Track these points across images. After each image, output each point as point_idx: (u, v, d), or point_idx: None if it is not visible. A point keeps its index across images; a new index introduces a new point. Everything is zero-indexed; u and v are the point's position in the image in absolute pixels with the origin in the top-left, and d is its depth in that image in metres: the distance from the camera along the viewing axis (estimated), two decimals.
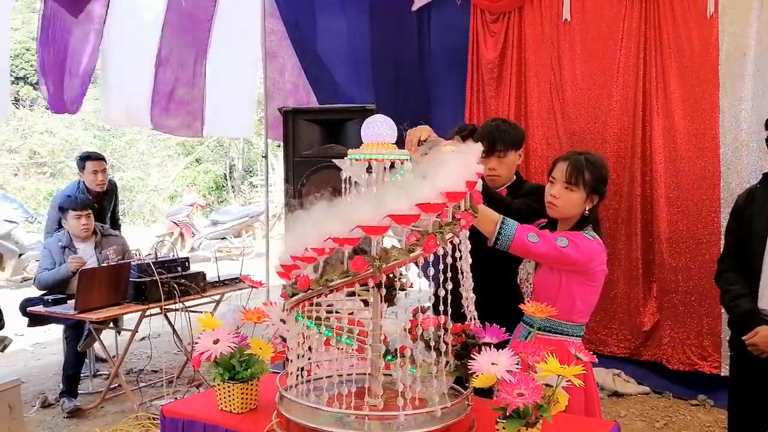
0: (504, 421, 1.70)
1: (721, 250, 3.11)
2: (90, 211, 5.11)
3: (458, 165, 1.90)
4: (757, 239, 2.85)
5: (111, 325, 4.98)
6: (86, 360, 5.15)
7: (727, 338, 3.06)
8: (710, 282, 4.67)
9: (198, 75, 6.58)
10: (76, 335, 4.81)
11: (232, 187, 17.63)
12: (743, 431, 3.01)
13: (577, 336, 2.39)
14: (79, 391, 4.87)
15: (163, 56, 6.29)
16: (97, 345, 4.92)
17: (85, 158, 5.62)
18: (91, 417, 4.64)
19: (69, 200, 5.18)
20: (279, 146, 5.61)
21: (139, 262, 4.72)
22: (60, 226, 5.21)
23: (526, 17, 5.39)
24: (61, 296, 4.72)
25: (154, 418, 4.33)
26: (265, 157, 6.51)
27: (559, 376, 1.70)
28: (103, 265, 4.85)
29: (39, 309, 4.69)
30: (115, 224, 5.98)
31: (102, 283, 4.51)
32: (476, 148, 1.98)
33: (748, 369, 2.91)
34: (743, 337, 2.85)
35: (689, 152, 4.85)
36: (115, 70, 6.12)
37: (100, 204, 5.67)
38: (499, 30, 5.50)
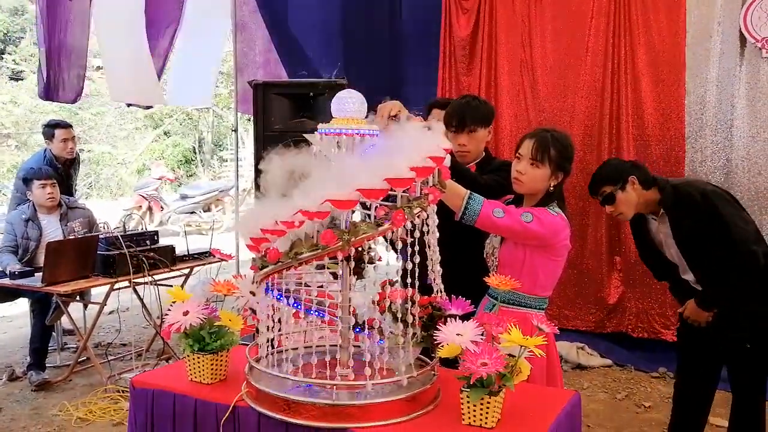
0: (468, 389, 1.76)
1: None
2: (55, 181, 5.04)
3: (427, 140, 1.94)
4: (663, 263, 3.14)
5: (78, 298, 4.95)
6: (54, 333, 5.12)
7: None
8: None
9: (164, 45, 6.47)
10: (44, 308, 4.77)
11: (202, 161, 17.46)
12: (688, 395, 3.17)
13: (540, 309, 2.46)
14: (46, 365, 4.85)
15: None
16: (64, 318, 4.90)
17: (54, 126, 5.58)
18: (59, 390, 4.63)
19: (33, 171, 5.10)
20: (249, 120, 5.58)
21: (108, 235, 4.69)
22: (25, 200, 5.14)
23: None
24: (27, 269, 4.68)
25: (123, 391, 4.35)
26: (235, 130, 6.46)
27: (521, 346, 1.76)
28: (70, 237, 4.80)
29: (5, 282, 4.64)
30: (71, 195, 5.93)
31: (70, 256, 4.47)
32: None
33: (692, 337, 3.11)
34: (679, 311, 3.10)
35: (655, 131, 4.95)
36: (111, 49, 5.97)
37: (67, 173, 5.63)
38: (471, 7, 5.51)
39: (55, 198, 5.01)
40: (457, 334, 1.79)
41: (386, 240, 1.89)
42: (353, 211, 1.91)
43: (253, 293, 2.05)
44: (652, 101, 4.95)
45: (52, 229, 5.01)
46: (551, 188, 2.45)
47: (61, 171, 5.50)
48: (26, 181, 5.06)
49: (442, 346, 1.80)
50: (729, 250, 2.81)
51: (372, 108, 2.16)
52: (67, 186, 5.52)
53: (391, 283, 2.07)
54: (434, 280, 2.06)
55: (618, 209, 2.94)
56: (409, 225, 1.86)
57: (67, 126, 5.63)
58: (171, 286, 2.88)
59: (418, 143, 1.91)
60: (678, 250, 2.96)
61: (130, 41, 5.96)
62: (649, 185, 2.94)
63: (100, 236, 4.67)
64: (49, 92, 5.48)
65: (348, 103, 1.99)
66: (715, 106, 4.77)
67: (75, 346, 5.33)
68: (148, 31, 6.08)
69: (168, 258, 4.87)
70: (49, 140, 5.55)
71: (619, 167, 2.99)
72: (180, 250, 5.16)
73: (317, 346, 2.06)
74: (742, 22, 4.65)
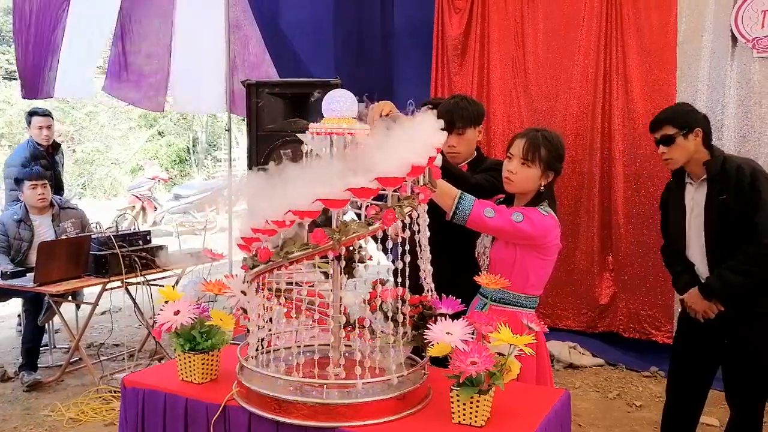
0: (458, 388, 1.76)
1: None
2: (46, 181, 5.04)
3: (418, 139, 1.94)
4: (679, 231, 3.06)
5: (71, 298, 4.94)
6: (46, 333, 5.11)
7: (679, 309, 3.23)
8: None
9: (162, 47, 6.46)
10: (36, 309, 4.76)
11: (195, 161, 17.42)
12: (681, 396, 3.16)
13: (530, 307, 2.46)
14: (39, 365, 4.83)
15: (124, 28, 6.17)
16: (57, 318, 4.88)
17: (32, 114, 5.74)
18: (51, 390, 4.62)
19: (24, 171, 5.12)
20: (243, 120, 5.57)
21: (100, 235, 4.68)
22: (16, 199, 5.15)
23: None
24: (19, 269, 4.67)
25: (115, 392, 4.34)
26: (229, 130, 6.46)
27: (510, 345, 1.76)
28: (62, 238, 4.79)
29: None
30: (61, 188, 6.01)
31: (62, 256, 4.47)
32: (435, 122, 2.01)
33: (690, 339, 3.09)
34: (681, 297, 3.08)
35: (646, 130, 4.92)
36: (73, 44, 5.99)
37: (51, 158, 5.79)
38: (463, 6, 5.53)
39: (45, 199, 5.01)
40: (447, 333, 1.79)
41: (375, 240, 1.90)
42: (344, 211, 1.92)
43: (244, 293, 2.06)
44: (643, 101, 4.96)
45: (44, 230, 5.00)
46: (542, 188, 2.45)
47: (46, 158, 5.65)
48: (17, 181, 5.06)
49: (432, 345, 1.81)
50: (753, 235, 2.80)
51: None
52: (54, 175, 5.57)
53: (382, 283, 2.08)
54: (425, 279, 2.07)
55: (671, 154, 2.90)
56: (399, 224, 1.87)
57: (44, 114, 5.76)
58: (163, 286, 2.88)
59: (409, 142, 1.92)
60: (704, 221, 2.92)
61: (93, 43, 6.12)
62: (707, 145, 2.92)
63: (93, 236, 4.66)
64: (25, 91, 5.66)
65: (339, 102, 2.00)
66: (706, 105, 4.78)
67: (67, 346, 5.31)
68: (129, 35, 6.15)
69: (161, 258, 4.86)
70: (28, 127, 5.75)
71: (691, 114, 2.95)
72: (173, 250, 5.15)
73: (308, 346, 2.06)
74: (733, 22, 4.67)
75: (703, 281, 2.98)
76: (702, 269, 3.00)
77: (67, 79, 5.99)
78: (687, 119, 2.90)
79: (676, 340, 3.27)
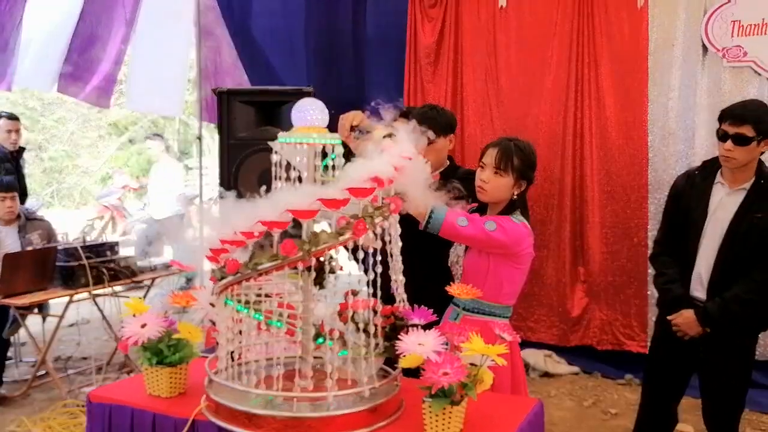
0: (430, 399, 1.74)
1: (659, 229, 3.19)
2: (15, 193, 4.94)
3: (388, 150, 1.93)
4: (694, 228, 2.91)
5: (37, 310, 4.83)
6: (11, 346, 4.99)
7: (653, 318, 3.18)
8: (638, 265, 4.87)
9: (116, 46, 6.42)
10: (1, 321, 4.65)
11: None
12: (656, 403, 3.15)
13: (504, 317, 2.45)
14: (3, 379, 4.72)
15: (80, 27, 6.12)
16: (22, 331, 4.78)
17: None
18: (17, 405, 4.51)
19: None
20: (216, 128, 5.53)
21: (67, 246, 4.59)
22: None
23: (463, 3, 5.43)
24: None
25: (82, 406, 4.24)
26: (200, 138, 6.39)
27: (483, 355, 1.75)
28: (28, 249, 4.69)
29: None
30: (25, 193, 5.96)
31: (27, 268, 4.37)
32: (406, 131, 2.00)
33: (669, 347, 3.05)
34: (668, 317, 2.97)
35: (619, 140, 5.00)
36: (32, 38, 5.94)
37: (16, 162, 5.73)
38: (436, 15, 5.53)
39: (14, 211, 4.92)
40: (419, 344, 1.77)
41: (347, 249, 1.87)
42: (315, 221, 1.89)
43: (212, 305, 2.02)
44: (615, 110, 5.00)
45: (10, 241, 4.89)
46: (515, 197, 2.45)
47: (11, 162, 5.58)
48: None
49: (404, 356, 1.78)
50: None
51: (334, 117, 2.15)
52: (18, 180, 5.51)
53: (354, 293, 2.05)
54: (396, 289, 2.05)
55: (738, 154, 2.72)
56: (371, 234, 1.84)
57: (10, 117, 5.71)
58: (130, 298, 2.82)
59: (381, 153, 1.91)
60: (726, 229, 2.80)
61: (52, 37, 6.03)
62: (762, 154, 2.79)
63: (59, 247, 4.56)
64: None
65: (309, 111, 1.98)
66: (678, 114, 4.84)
67: (34, 359, 5.19)
68: (85, 33, 6.10)
69: (129, 269, 4.78)
70: None
71: None
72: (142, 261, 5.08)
73: (278, 358, 2.02)
74: (703, 32, 4.73)
75: (691, 296, 2.92)
76: (699, 281, 2.91)
77: (25, 70, 5.95)
78: None
79: (652, 347, 3.24)
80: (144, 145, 16.61)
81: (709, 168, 2.96)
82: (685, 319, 2.90)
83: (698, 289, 2.92)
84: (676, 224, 3.02)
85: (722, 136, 2.79)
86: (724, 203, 2.85)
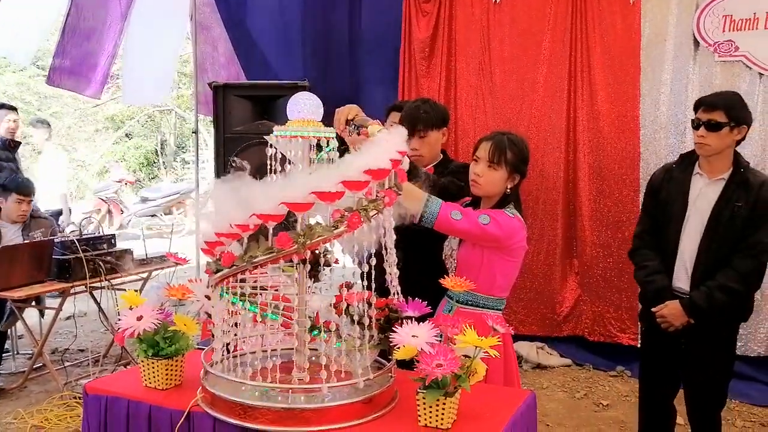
0: (424, 391, 1.76)
1: (637, 225, 3.20)
2: (32, 199, 4.98)
3: (383, 143, 1.95)
4: (674, 220, 2.95)
5: (34, 303, 4.84)
6: (8, 339, 5.00)
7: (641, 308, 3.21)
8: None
9: (110, 40, 6.43)
10: None
11: (164, 163, 17.21)
12: (654, 399, 3.18)
13: (497, 309, 2.48)
14: (0, 371, 4.73)
15: (71, 23, 6.13)
16: (19, 324, 4.79)
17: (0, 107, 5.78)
18: (13, 397, 4.52)
19: (14, 181, 5.00)
20: (212, 122, 5.54)
21: (63, 239, 4.60)
22: None
23: None
24: None
25: (79, 398, 4.26)
26: (196, 132, 6.40)
27: (476, 347, 1.77)
28: (25, 242, 4.70)
29: None
30: None
31: (24, 261, 4.38)
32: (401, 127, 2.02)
33: (657, 341, 3.08)
34: (653, 309, 2.98)
35: (611, 134, 5.03)
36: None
37: (13, 153, 5.83)
38: (431, 10, 5.54)
39: (26, 215, 4.95)
40: (413, 336, 1.79)
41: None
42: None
43: (208, 297, 2.04)
44: (607, 104, 5.03)
45: (12, 237, 4.89)
46: (508, 190, 2.47)
47: (9, 152, 5.68)
48: (4, 188, 4.94)
49: (399, 347, 1.81)
50: (752, 251, 2.79)
51: (330, 111, 2.17)
52: (16, 171, 5.59)
53: (348, 286, 2.08)
54: (390, 282, 2.07)
55: (711, 141, 2.80)
56: (366, 227, 1.86)
57: (11, 108, 5.85)
58: (127, 291, 2.84)
59: (375, 147, 1.92)
60: (708, 220, 2.86)
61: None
62: (736, 146, 2.86)
63: (56, 240, 4.57)
64: None
65: (304, 105, 1.99)
66: (670, 108, 4.87)
67: (31, 352, 5.21)
68: (77, 27, 6.14)
69: (126, 262, 4.79)
70: None
71: (745, 109, 2.85)
72: (139, 254, 5.08)
73: (273, 350, 2.04)
74: (695, 27, 4.76)
75: (673, 287, 2.95)
76: (684, 272, 2.93)
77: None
78: (741, 113, 2.82)
79: (642, 343, 3.28)
80: (138, 140, 16.63)
81: (688, 160, 3.01)
82: (670, 310, 2.93)
83: (682, 280, 2.96)
84: (656, 218, 3.06)
85: (696, 124, 2.88)
86: (704, 193, 2.90)
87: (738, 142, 2.87)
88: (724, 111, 2.80)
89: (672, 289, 2.97)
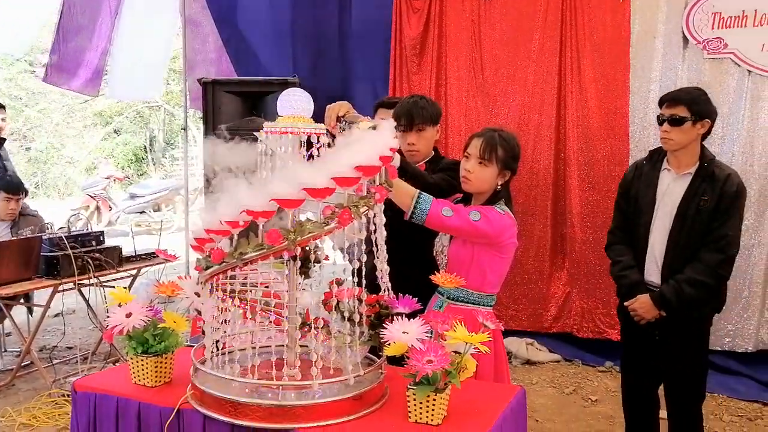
0: (414, 387, 1.76)
1: (612, 221, 3.25)
2: (21, 196, 4.93)
3: (374, 140, 1.94)
4: (644, 216, 3.02)
5: (23, 301, 4.81)
6: None
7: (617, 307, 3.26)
8: None
9: (101, 36, 6.42)
10: None
11: (152, 159, 17.13)
12: (635, 390, 3.22)
13: (487, 305, 2.48)
14: None
15: (66, 18, 6.11)
16: (7, 321, 4.75)
17: None
18: (1, 395, 4.49)
19: (3, 180, 4.97)
20: (201, 118, 5.52)
21: (51, 235, 4.56)
22: None
23: None
24: None
25: (68, 396, 4.24)
26: (185, 128, 6.37)
27: (466, 343, 1.77)
28: (12, 239, 4.67)
29: None
30: None
31: (11, 258, 4.34)
32: (390, 123, 2.01)
33: (634, 334, 3.13)
34: (625, 303, 3.06)
35: (601, 130, 5.05)
36: None
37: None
38: (421, 7, 5.54)
39: (15, 213, 4.92)
40: (403, 333, 1.79)
41: (332, 240, 1.89)
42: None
43: (197, 294, 2.03)
44: (597, 101, 5.04)
45: (1, 235, 4.86)
46: (499, 187, 2.47)
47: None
48: None
49: (389, 344, 1.81)
50: (718, 244, 2.83)
51: (321, 107, 2.16)
52: (3, 168, 5.51)
53: (339, 283, 2.07)
54: (381, 278, 2.07)
55: (674, 135, 2.86)
56: (356, 224, 1.86)
57: None
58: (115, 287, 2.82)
59: (366, 143, 1.92)
60: (675, 214, 2.90)
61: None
62: (702, 140, 2.91)
63: (44, 237, 4.54)
64: None
65: (294, 101, 1.98)
66: (658, 104, 4.87)
67: (18, 349, 5.17)
68: (69, 24, 6.13)
69: (114, 259, 4.77)
70: None
71: (707, 104, 2.89)
72: (128, 251, 5.05)
73: (263, 347, 2.04)
74: (684, 24, 4.78)
75: (646, 281, 3.00)
76: (655, 265, 2.99)
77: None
78: (703, 108, 2.87)
79: (622, 336, 3.32)
80: (127, 136, 16.53)
81: (656, 156, 3.07)
82: (641, 304, 2.99)
83: (653, 274, 3.01)
84: (627, 213, 3.12)
85: (660, 120, 2.94)
86: (671, 188, 2.96)
87: (703, 137, 2.93)
88: (686, 106, 2.86)
89: (645, 283, 3.03)
